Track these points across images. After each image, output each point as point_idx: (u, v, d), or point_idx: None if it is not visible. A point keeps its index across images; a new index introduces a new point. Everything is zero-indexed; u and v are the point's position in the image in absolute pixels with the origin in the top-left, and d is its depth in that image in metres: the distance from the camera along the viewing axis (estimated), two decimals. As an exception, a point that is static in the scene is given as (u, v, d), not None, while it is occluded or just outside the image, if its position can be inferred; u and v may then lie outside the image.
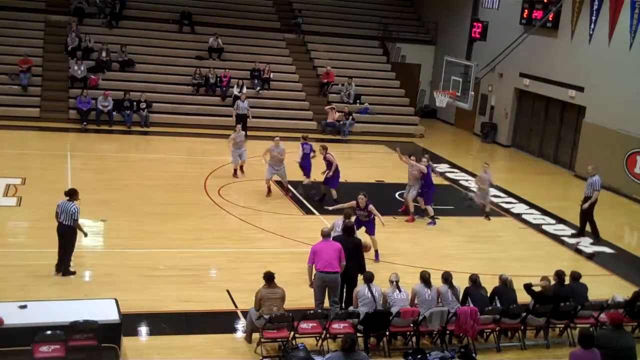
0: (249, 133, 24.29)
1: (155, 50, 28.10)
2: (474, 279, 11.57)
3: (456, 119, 30.87)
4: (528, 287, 11.81)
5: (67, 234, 12.49)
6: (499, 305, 11.37)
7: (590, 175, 16.93)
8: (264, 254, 14.43)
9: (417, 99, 32.47)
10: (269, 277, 10.62)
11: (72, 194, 12.51)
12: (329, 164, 17.79)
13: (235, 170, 19.63)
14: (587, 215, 16.94)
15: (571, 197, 21.25)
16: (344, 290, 11.81)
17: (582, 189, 17.29)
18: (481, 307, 11.10)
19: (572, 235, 17.23)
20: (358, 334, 10.55)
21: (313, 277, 11.51)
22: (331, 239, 11.94)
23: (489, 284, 11.96)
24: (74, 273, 12.62)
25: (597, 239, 16.98)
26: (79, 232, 12.68)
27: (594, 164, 17.65)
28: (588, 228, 17.18)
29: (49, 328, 9.18)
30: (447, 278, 11.32)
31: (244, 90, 26.47)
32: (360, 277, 11.48)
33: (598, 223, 17.12)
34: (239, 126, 20.31)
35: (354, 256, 11.71)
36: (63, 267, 12.56)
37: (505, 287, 11.59)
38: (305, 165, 18.77)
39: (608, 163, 20.79)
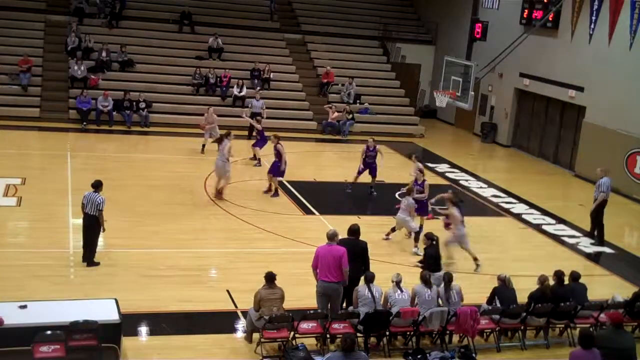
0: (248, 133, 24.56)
1: (155, 50, 28.09)
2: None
3: (456, 119, 30.87)
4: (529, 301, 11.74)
5: (92, 224, 12.79)
6: (499, 305, 11.38)
7: (600, 178, 16.80)
8: (264, 254, 14.42)
9: (417, 99, 32.46)
10: (270, 278, 10.60)
11: (97, 186, 12.93)
12: (279, 154, 17.94)
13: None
14: (595, 217, 16.78)
15: (571, 197, 21.28)
16: (345, 300, 11.44)
17: (582, 189, 17.30)
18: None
19: (592, 244, 16.91)
20: (358, 334, 10.53)
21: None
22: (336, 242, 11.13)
23: (489, 284, 11.95)
24: (98, 264, 12.98)
25: (600, 243, 16.90)
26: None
27: (604, 166, 17.32)
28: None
29: (49, 328, 9.19)
30: (448, 279, 11.33)
31: (244, 90, 26.54)
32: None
33: (599, 223, 17.13)
34: (211, 109, 22.33)
35: (359, 259, 11.40)
36: (91, 256, 12.94)
37: (505, 286, 11.58)
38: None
39: (608, 163, 20.70)
